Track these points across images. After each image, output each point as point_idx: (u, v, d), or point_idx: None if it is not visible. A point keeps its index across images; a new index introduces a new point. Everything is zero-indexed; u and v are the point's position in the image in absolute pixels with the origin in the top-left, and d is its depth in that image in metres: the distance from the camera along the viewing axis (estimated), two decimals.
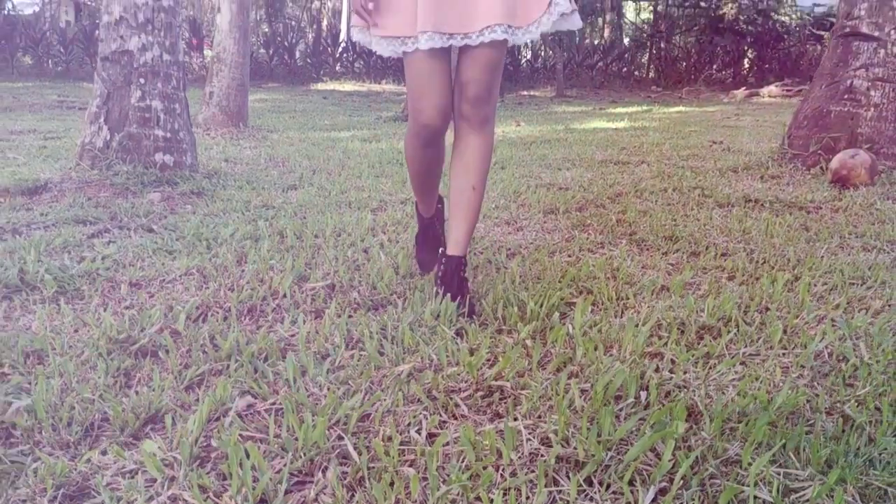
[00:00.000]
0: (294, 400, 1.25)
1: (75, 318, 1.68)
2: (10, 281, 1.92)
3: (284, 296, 1.87)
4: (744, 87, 14.27)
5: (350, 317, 1.72)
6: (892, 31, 3.75)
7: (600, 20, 17.68)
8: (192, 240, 2.43)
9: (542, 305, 1.75)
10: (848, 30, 3.88)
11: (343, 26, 17.78)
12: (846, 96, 3.82)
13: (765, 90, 13.34)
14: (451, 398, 1.29)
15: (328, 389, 1.33)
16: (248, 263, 2.16)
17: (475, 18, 1.71)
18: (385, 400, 1.28)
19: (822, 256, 2.29)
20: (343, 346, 1.53)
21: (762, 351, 1.51)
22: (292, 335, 1.61)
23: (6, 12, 13.64)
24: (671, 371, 1.40)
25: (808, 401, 1.28)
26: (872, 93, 3.76)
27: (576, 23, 1.78)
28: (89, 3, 19.30)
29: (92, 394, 1.29)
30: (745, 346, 1.53)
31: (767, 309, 1.78)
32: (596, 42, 17.99)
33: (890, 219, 2.82)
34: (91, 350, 1.48)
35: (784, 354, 1.50)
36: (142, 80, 3.39)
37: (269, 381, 1.37)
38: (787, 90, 12.95)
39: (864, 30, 3.80)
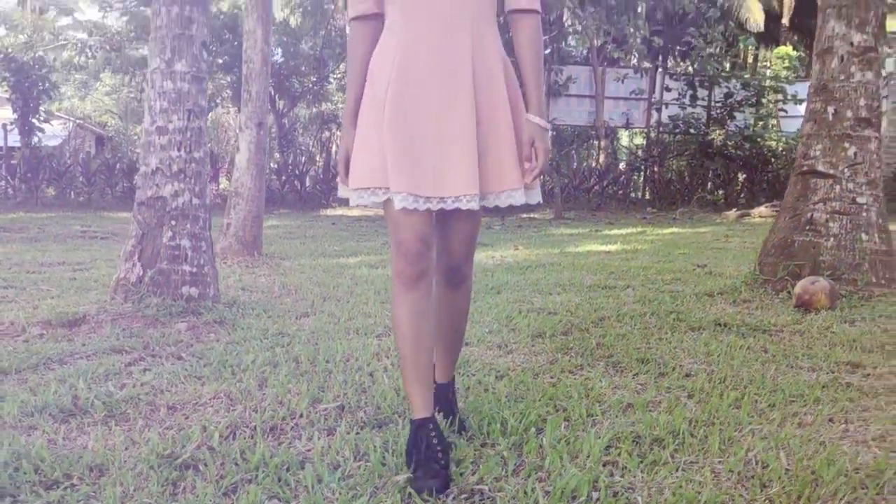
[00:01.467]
0: (312, 503, 1.55)
1: (125, 438, 1.99)
2: (65, 406, 2.24)
3: (301, 416, 2.18)
4: (735, 209, 14.85)
5: (357, 433, 2.02)
6: (846, 170, 4.19)
7: (595, 145, 18.58)
8: (218, 366, 2.75)
9: (521, 422, 2.06)
10: (806, 168, 4.33)
11: None
12: (808, 227, 4.22)
13: (755, 211, 13.89)
14: (439, 499, 1.59)
15: (339, 494, 1.62)
16: (268, 387, 2.47)
17: (447, 183, 1.77)
18: (386, 502, 1.57)
19: (772, 376, 2.60)
20: (352, 459, 1.83)
21: (700, 459, 1.80)
22: (309, 450, 1.91)
23: (33, 145, 14.47)
24: (622, 476, 1.69)
25: (731, 499, 1.57)
26: (831, 224, 4.16)
27: (536, 197, 1.88)
28: (112, 135, 20.43)
29: (148, 499, 1.59)
30: (687, 455, 1.82)
31: (713, 423, 2.08)
32: (593, 165, 18.81)
33: (842, 341, 3.14)
34: (143, 464, 1.78)
35: (719, 462, 1.79)
36: (173, 222, 3.82)
37: (291, 487, 1.67)
38: (777, 211, 13.50)
39: (820, 168, 4.25)
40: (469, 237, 1.92)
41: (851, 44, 4.13)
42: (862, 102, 4.12)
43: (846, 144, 4.14)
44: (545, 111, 1.89)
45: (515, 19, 1.89)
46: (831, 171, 4.19)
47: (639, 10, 15.16)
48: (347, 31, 1.98)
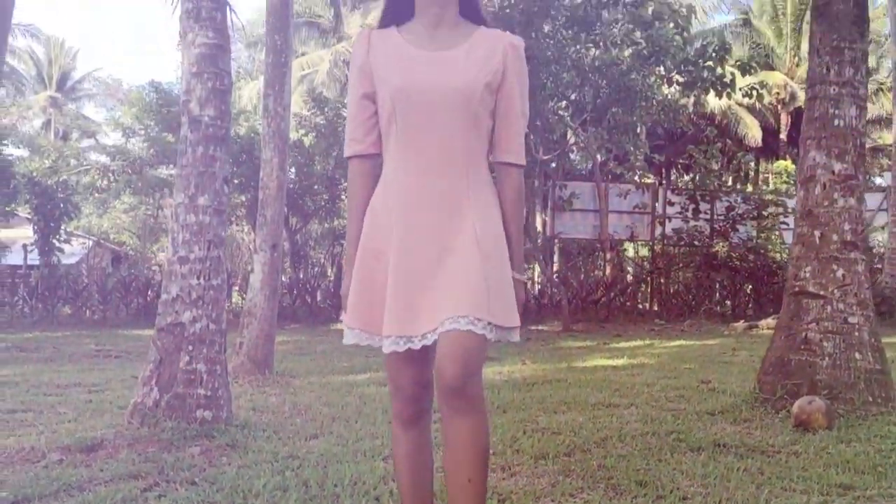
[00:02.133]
0: None
1: None
2: None
3: None
4: (743, 320, 14.92)
5: None
6: (836, 290, 4.37)
7: (601, 257, 18.87)
8: (230, 492, 2.85)
9: None
10: (797, 288, 4.51)
11: None
12: (803, 347, 4.35)
13: (763, 322, 13.96)
14: None
15: None
16: None
17: (440, 313, 1.77)
18: None
19: (765, 499, 2.68)
20: None
21: None
22: None
23: (51, 265, 14.86)
24: None
25: None
26: (825, 343, 4.30)
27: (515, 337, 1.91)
28: (130, 252, 20.95)
29: None
30: None
31: None
32: (599, 276, 19.04)
33: (837, 462, 3.22)
34: None
35: None
36: (190, 347, 3.99)
37: None
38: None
39: (811, 289, 4.42)
40: (460, 355, 1.75)
41: (833, 172, 4.40)
42: (847, 227, 4.34)
43: (834, 266, 4.33)
44: (523, 265, 1.99)
45: (502, 170, 1.99)
46: (822, 292, 4.37)
47: (638, 130, 15.79)
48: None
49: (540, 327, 15.66)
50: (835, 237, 4.35)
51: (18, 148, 21.59)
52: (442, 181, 1.88)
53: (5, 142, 15.30)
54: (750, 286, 17.39)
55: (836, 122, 4.38)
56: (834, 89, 4.40)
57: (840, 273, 4.32)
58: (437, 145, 1.88)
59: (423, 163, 1.89)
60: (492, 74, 1.91)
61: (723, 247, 16.92)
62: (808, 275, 4.43)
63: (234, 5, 5.32)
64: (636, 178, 18.51)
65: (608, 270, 18.68)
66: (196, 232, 4.17)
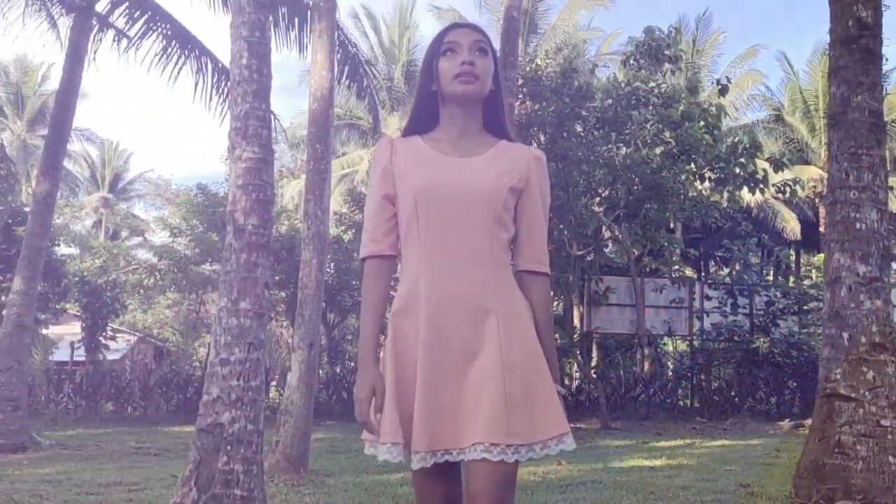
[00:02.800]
0: None
1: None
2: None
3: None
4: (788, 419, 14.53)
5: None
6: (867, 392, 4.36)
7: (639, 353, 18.67)
8: None
9: None
10: (829, 391, 4.50)
11: None
12: (836, 450, 4.32)
13: (808, 421, 13.57)
14: None
15: None
16: None
17: (466, 432, 1.73)
18: None
19: None
20: None
21: None
22: None
23: (97, 361, 15.23)
24: None
25: None
26: (859, 447, 4.26)
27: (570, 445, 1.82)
28: (172, 348, 21.33)
29: None
30: None
31: None
32: (638, 372, 18.79)
33: None
34: None
35: None
36: (228, 448, 4.12)
37: None
38: None
39: (843, 391, 4.42)
40: (488, 488, 1.71)
41: (857, 274, 4.47)
42: (874, 329, 4.37)
43: (864, 368, 4.34)
44: (558, 374, 1.91)
45: (527, 279, 1.94)
46: (853, 395, 4.36)
47: (672, 225, 15.90)
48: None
49: (578, 425, 15.41)
50: (863, 339, 4.38)
51: (70, 247, 22.48)
52: (465, 284, 1.84)
53: (58, 241, 15.99)
54: (794, 383, 16.97)
55: (857, 225, 4.49)
56: (854, 194, 4.52)
57: (870, 375, 4.33)
58: (461, 247, 1.86)
59: (446, 265, 1.86)
60: (516, 179, 1.93)
61: (764, 342, 16.64)
62: (838, 377, 4.44)
63: (277, 111, 5.68)
64: (672, 272, 18.51)
65: (646, 366, 18.44)
66: (237, 335, 4.36)
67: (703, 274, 27.01)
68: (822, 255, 22.77)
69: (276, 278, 16.67)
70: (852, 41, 4.69)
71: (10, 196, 14.28)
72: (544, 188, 2.01)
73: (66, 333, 17.92)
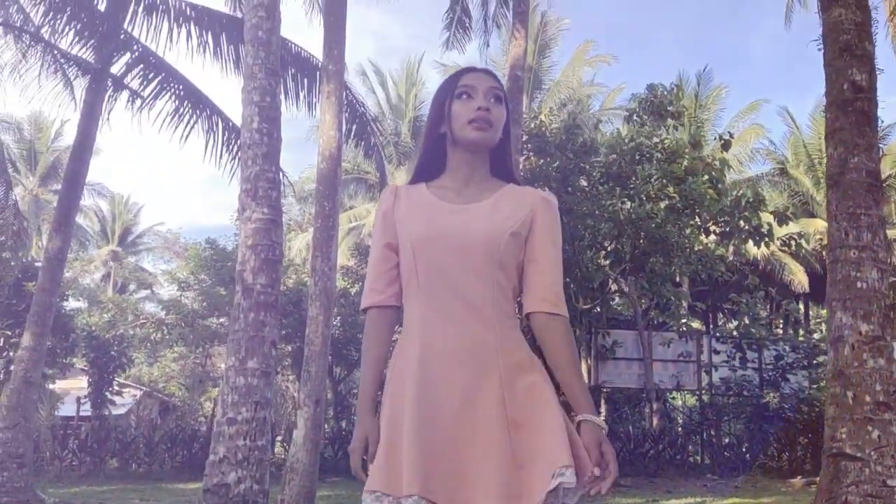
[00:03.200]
0: None
1: None
2: None
3: None
4: (800, 476, 14.29)
5: None
6: (872, 452, 4.35)
7: (647, 408, 18.49)
8: None
9: None
10: (834, 450, 4.49)
11: None
12: None
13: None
14: None
15: None
16: None
17: (466, 489, 1.66)
18: None
19: None
20: None
21: None
22: None
23: (102, 416, 15.18)
24: None
25: None
26: None
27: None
28: (178, 403, 21.24)
29: None
30: None
31: None
32: (647, 427, 18.58)
33: None
34: None
35: None
36: None
37: None
38: None
39: (848, 451, 4.41)
40: None
41: (860, 333, 4.50)
42: (878, 387, 4.38)
43: (869, 428, 4.34)
44: (592, 406, 1.78)
45: (541, 322, 1.83)
46: (859, 455, 4.35)
47: (678, 279, 15.94)
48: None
49: None
50: (867, 398, 4.38)
51: (78, 300, 22.60)
52: (464, 336, 1.78)
53: (67, 296, 16.09)
54: (805, 439, 16.73)
55: (859, 284, 4.53)
56: (854, 253, 4.58)
57: (876, 434, 4.32)
58: (460, 296, 1.80)
59: (444, 315, 1.80)
60: (519, 224, 1.86)
61: (774, 397, 16.48)
62: (844, 436, 4.43)
63: (285, 164, 5.77)
64: (680, 326, 18.45)
65: (655, 421, 18.24)
66: (245, 394, 4.40)
67: (711, 327, 26.85)
68: None
69: (283, 332, 16.70)
70: (848, 104, 4.81)
71: (22, 251, 14.45)
72: (554, 230, 1.91)
73: (72, 388, 17.89)
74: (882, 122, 4.81)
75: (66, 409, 17.35)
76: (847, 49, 4.85)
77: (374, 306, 1.92)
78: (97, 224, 40.88)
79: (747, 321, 17.75)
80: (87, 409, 16.81)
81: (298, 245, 28.51)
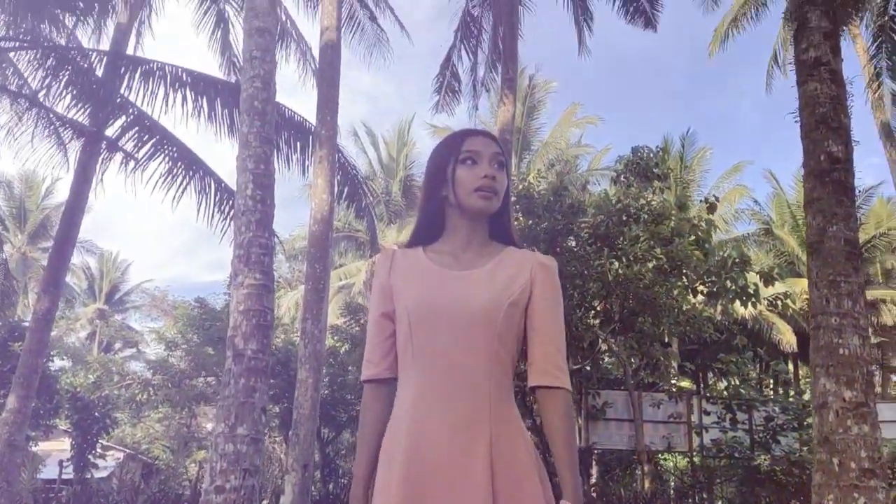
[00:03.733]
0: None
1: None
2: None
3: None
4: None
5: None
6: None
7: (638, 470, 18.29)
8: None
9: None
10: None
11: None
12: None
13: None
14: None
15: None
16: None
17: None
18: None
19: None
20: None
21: None
22: None
23: (85, 480, 14.87)
24: None
25: None
26: None
27: None
28: (162, 466, 20.84)
29: None
30: None
31: None
32: (638, 488, 18.37)
33: None
34: None
35: None
36: None
37: None
38: None
39: None
40: None
41: (844, 399, 4.56)
42: (863, 454, 4.42)
43: (856, 495, 4.37)
44: (580, 496, 1.73)
45: (541, 396, 1.80)
46: None
47: (666, 339, 15.97)
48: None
49: None
50: (853, 465, 4.42)
51: (63, 359, 22.33)
52: (457, 416, 1.72)
53: (52, 356, 15.93)
54: (798, 502, 16.56)
55: (841, 350, 4.61)
56: (835, 320, 4.68)
57: (862, 501, 4.34)
58: (456, 371, 1.75)
59: (438, 391, 1.74)
60: (517, 293, 1.83)
61: (765, 460, 16.36)
62: (831, 502, 4.45)
63: (276, 223, 5.78)
64: (669, 386, 18.41)
65: (647, 484, 18.04)
66: (233, 461, 4.39)
67: (701, 386, 26.78)
68: None
69: (271, 392, 16.56)
70: (825, 174, 4.97)
71: (9, 310, 14.36)
72: (554, 297, 1.88)
73: (54, 450, 17.55)
74: (859, 192, 4.95)
75: (49, 472, 16.99)
76: (823, 122, 5.03)
77: (368, 380, 1.89)
78: (85, 282, 40.68)
79: (737, 382, 17.74)
80: (69, 472, 16.47)
81: (287, 303, 28.44)
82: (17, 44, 9.90)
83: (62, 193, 31.23)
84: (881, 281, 29.39)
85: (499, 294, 1.80)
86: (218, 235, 11.11)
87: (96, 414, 14.67)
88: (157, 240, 69.67)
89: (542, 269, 1.89)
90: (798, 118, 5.25)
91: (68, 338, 32.70)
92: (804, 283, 26.54)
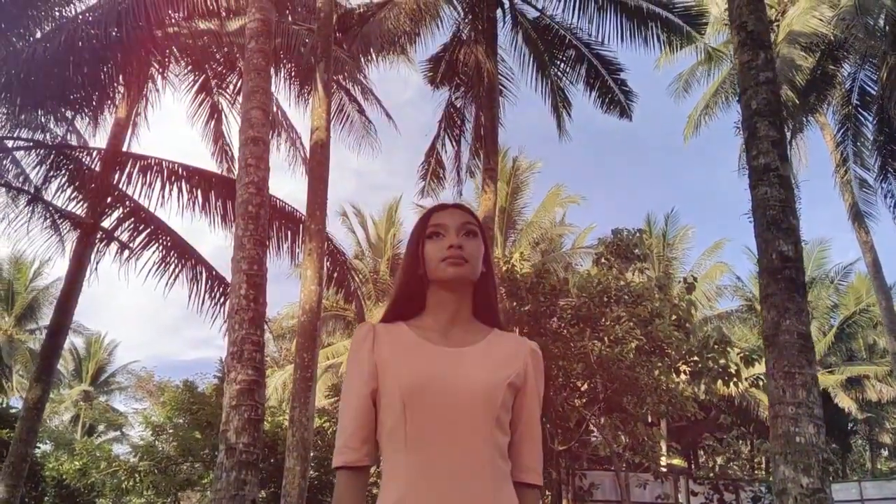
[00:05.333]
0: None
1: None
2: None
3: None
4: None
5: None
6: None
7: None
8: None
9: None
10: None
11: None
12: None
13: None
14: None
15: None
16: None
17: None
18: None
19: None
20: None
21: None
22: None
23: None
24: None
25: None
26: None
27: None
28: None
29: None
30: None
31: None
32: None
33: None
34: None
35: None
36: None
37: None
38: None
39: None
40: None
41: (801, 485, 4.83)
42: None
43: None
44: None
45: (525, 493, 1.76)
46: None
47: (650, 419, 16.13)
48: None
49: None
50: None
51: (45, 443, 22.08)
52: (464, 490, 1.63)
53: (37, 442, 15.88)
54: None
55: (798, 439, 4.91)
56: (792, 409, 4.99)
57: None
58: (455, 456, 1.65)
59: (437, 478, 1.64)
60: (515, 376, 1.76)
61: None
62: None
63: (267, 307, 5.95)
64: (657, 466, 18.46)
65: None
66: None
67: (691, 464, 26.71)
68: None
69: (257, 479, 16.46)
70: (777, 272, 5.37)
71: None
72: (540, 385, 1.85)
73: None
74: (809, 287, 5.35)
75: None
76: (774, 223, 5.46)
77: (346, 466, 1.72)
78: (72, 363, 40.40)
79: (724, 461, 17.84)
80: None
81: (275, 383, 28.37)
82: (20, 143, 10.37)
83: (50, 275, 31.42)
84: (864, 357, 29.73)
85: (497, 374, 1.74)
86: (204, 313, 11.39)
87: (80, 501, 14.55)
88: (142, 318, 69.40)
89: (535, 359, 1.85)
90: (751, 219, 5.69)
91: (52, 421, 32.28)
92: None
